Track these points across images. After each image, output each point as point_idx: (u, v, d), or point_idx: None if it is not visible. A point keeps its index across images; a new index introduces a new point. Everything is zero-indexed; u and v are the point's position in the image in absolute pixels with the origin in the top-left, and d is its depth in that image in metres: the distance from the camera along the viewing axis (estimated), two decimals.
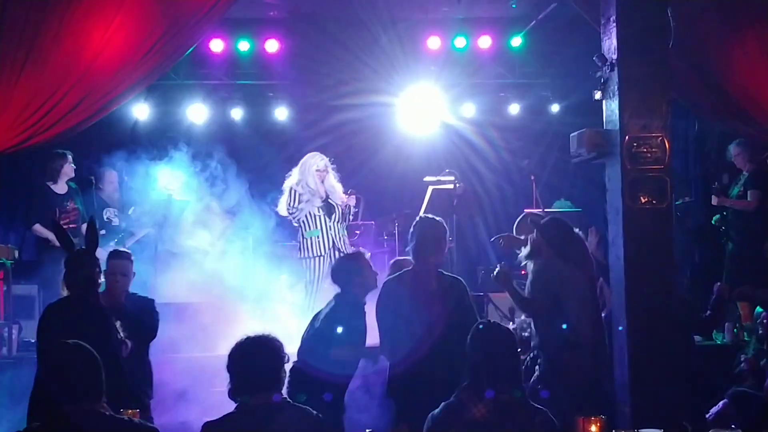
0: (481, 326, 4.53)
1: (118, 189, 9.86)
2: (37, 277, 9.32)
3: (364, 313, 6.17)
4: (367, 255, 6.64)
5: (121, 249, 7.09)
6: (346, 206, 9.30)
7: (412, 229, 6.17)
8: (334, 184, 9.23)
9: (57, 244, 8.95)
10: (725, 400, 6.48)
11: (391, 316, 5.89)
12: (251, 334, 4.19)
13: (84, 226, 8.99)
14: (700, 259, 10.55)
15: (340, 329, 6.01)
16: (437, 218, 6.23)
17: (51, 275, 8.99)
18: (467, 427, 4.15)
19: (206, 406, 6.97)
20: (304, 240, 9.10)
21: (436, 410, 4.31)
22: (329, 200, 9.14)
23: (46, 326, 5.51)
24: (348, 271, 6.28)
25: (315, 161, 9.18)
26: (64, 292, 5.83)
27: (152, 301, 6.82)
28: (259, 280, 9.19)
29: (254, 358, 4.10)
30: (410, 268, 6.16)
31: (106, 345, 5.26)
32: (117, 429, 3.64)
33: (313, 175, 9.10)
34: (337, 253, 8.96)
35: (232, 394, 4.14)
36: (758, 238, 8.92)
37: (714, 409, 6.46)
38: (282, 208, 9.25)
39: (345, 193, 9.31)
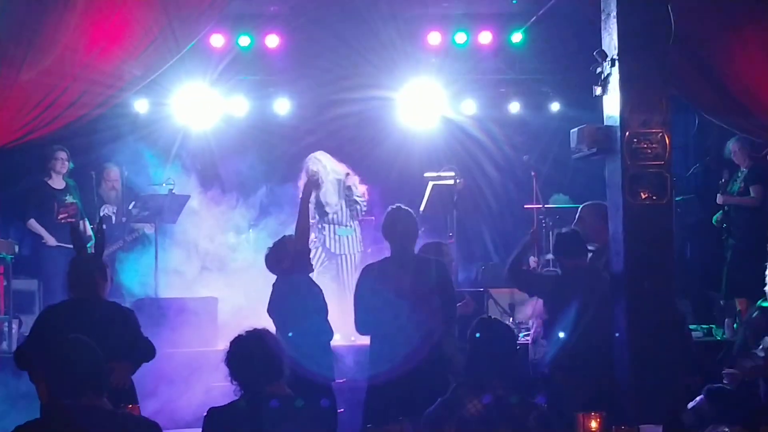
0: (479, 321, 4.52)
1: (119, 184, 9.86)
2: (38, 272, 9.33)
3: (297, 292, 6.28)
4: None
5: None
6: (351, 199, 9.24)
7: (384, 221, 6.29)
8: (329, 188, 9.21)
9: (49, 242, 9.03)
10: (702, 395, 6.47)
11: (370, 296, 5.99)
12: (247, 329, 4.20)
13: (82, 223, 9.00)
14: (692, 255, 10.55)
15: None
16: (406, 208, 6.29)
17: (49, 271, 9.03)
18: (463, 423, 4.15)
19: (205, 401, 7.00)
20: None
21: (432, 407, 4.31)
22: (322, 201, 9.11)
23: (48, 326, 5.44)
24: (276, 259, 6.42)
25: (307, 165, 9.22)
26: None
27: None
28: (262, 276, 9.18)
29: (252, 352, 4.10)
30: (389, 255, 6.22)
31: (124, 339, 5.31)
32: (117, 424, 3.64)
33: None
34: (322, 251, 8.96)
35: (239, 388, 4.15)
36: (761, 233, 8.93)
37: (691, 404, 6.46)
38: None
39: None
